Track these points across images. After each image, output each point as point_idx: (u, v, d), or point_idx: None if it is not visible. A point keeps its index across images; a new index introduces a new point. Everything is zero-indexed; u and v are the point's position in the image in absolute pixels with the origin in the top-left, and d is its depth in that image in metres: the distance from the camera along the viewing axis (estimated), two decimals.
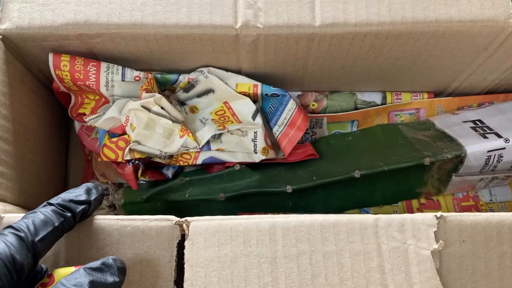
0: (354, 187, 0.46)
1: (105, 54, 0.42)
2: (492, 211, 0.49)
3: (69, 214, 0.29)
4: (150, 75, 0.43)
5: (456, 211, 0.49)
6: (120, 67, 0.43)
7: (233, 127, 0.45)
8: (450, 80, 0.49)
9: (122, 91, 0.44)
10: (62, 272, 0.28)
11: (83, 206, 0.30)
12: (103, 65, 0.42)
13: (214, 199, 0.44)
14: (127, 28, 0.38)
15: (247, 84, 0.46)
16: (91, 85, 0.42)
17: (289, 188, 0.43)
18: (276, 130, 0.47)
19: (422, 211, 0.49)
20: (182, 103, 0.47)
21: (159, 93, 0.43)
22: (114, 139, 0.44)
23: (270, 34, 0.39)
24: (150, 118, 0.42)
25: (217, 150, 0.45)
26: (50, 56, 0.41)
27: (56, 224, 0.28)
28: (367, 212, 0.49)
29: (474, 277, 0.32)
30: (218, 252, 0.31)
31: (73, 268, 0.28)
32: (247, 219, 0.32)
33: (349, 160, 0.46)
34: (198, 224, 0.31)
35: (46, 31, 0.38)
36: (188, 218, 0.32)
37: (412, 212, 0.49)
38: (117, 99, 0.44)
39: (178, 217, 0.32)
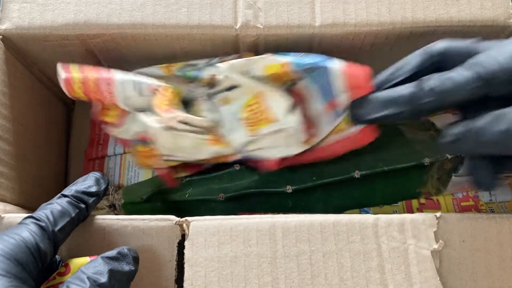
0: (354, 187, 0.46)
1: (105, 54, 0.42)
2: (492, 211, 0.49)
3: (83, 206, 0.30)
4: (169, 88, 0.40)
5: (456, 211, 0.49)
6: (135, 83, 0.39)
7: (266, 130, 0.40)
8: None
9: (142, 105, 0.41)
10: (77, 262, 0.29)
11: (94, 198, 0.31)
12: (117, 82, 0.39)
13: (214, 199, 0.44)
14: (127, 28, 0.38)
15: (276, 65, 0.39)
16: (110, 102, 0.40)
17: (289, 188, 0.43)
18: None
19: (422, 211, 0.49)
20: (212, 95, 0.42)
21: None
22: (147, 148, 0.42)
23: (270, 34, 0.39)
24: (174, 134, 0.39)
25: (254, 150, 0.42)
26: (62, 82, 0.38)
27: (73, 215, 0.29)
28: (367, 212, 0.49)
29: (474, 277, 0.32)
30: (218, 252, 0.31)
31: (87, 258, 0.29)
32: (247, 219, 0.32)
33: (349, 160, 0.46)
34: (198, 224, 0.31)
35: (46, 31, 0.38)
36: (188, 218, 0.32)
37: (412, 212, 0.49)
38: (137, 113, 0.41)
39: (178, 217, 0.32)
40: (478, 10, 0.39)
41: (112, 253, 0.28)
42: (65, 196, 0.30)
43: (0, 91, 0.38)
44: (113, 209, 0.47)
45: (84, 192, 0.31)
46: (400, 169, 0.44)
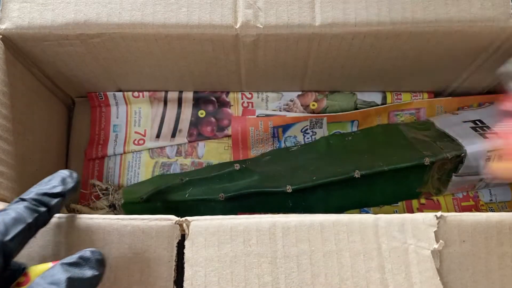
0: (354, 187, 0.46)
1: (105, 54, 0.42)
2: (492, 211, 0.49)
3: (43, 209, 0.28)
4: None
5: (456, 211, 0.49)
6: None
7: None
8: (450, 80, 0.49)
9: None
10: (37, 270, 0.27)
11: (58, 199, 0.29)
12: None
13: (214, 199, 0.44)
14: (127, 28, 0.38)
15: None
16: None
17: (289, 188, 0.43)
18: None
19: (422, 211, 0.49)
20: None
21: None
22: None
23: (270, 34, 0.39)
24: None
25: None
26: None
27: (29, 220, 0.27)
28: (367, 212, 0.49)
29: (474, 277, 0.31)
30: (218, 252, 0.31)
31: (49, 264, 0.27)
32: (247, 219, 0.32)
33: (349, 160, 0.46)
34: (198, 223, 0.31)
35: (46, 31, 0.38)
36: (188, 218, 0.32)
37: (412, 212, 0.49)
38: None
39: (178, 217, 0.32)
40: (478, 10, 0.39)
41: (72, 258, 0.26)
42: (23, 200, 0.28)
43: (0, 90, 0.38)
44: (113, 209, 0.47)
45: (46, 194, 0.28)
46: (400, 169, 0.44)
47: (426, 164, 0.43)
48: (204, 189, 0.46)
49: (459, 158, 0.44)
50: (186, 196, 0.45)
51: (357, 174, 0.43)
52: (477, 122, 0.47)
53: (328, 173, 0.44)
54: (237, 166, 0.46)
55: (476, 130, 0.45)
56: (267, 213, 0.45)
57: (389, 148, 0.47)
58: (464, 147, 0.44)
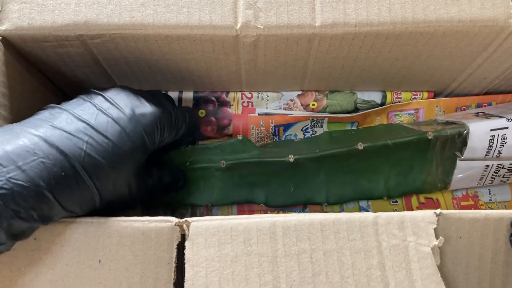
0: (357, 173, 0.46)
1: (105, 55, 0.42)
2: None
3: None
4: None
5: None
6: None
7: None
8: (450, 80, 0.49)
9: None
10: None
11: None
12: None
13: (214, 167, 0.44)
14: (127, 29, 0.38)
15: None
16: None
17: (291, 157, 0.43)
18: None
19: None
20: None
21: None
22: None
23: (270, 35, 0.39)
24: None
25: None
26: None
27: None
28: (367, 210, 0.49)
29: (466, 269, 0.32)
30: (218, 252, 0.31)
31: None
32: (247, 219, 0.32)
33: (353, 136, 0.47)
34: (198, 224, 0.31)
35: (46, 32, 0.38)
36: (188, 219, 0.32)
37: (411, 210, 0.49)
38: None
39: None
40: (479, 10, 0.39)
41: None
42: None
43: (0, 92, 0.38)
44: None
45: None
46: (404, 146, 0.44)
47: (429, 138, 0.43)
48: (205, 159, 0.46)
49: (462, 137, 0.44)
50: (187, 164, 0.45)
51: (360, 146, 0.43)
52: (479, 113, 0.47)
53: (331, 148, 0.45)
54: (240, 136, 0.46)
55: (478, 115, 0.46)
56: (267, 187, 0.45)
57: (393, 132, 0.47)
58: (467, 124, 0.44)
